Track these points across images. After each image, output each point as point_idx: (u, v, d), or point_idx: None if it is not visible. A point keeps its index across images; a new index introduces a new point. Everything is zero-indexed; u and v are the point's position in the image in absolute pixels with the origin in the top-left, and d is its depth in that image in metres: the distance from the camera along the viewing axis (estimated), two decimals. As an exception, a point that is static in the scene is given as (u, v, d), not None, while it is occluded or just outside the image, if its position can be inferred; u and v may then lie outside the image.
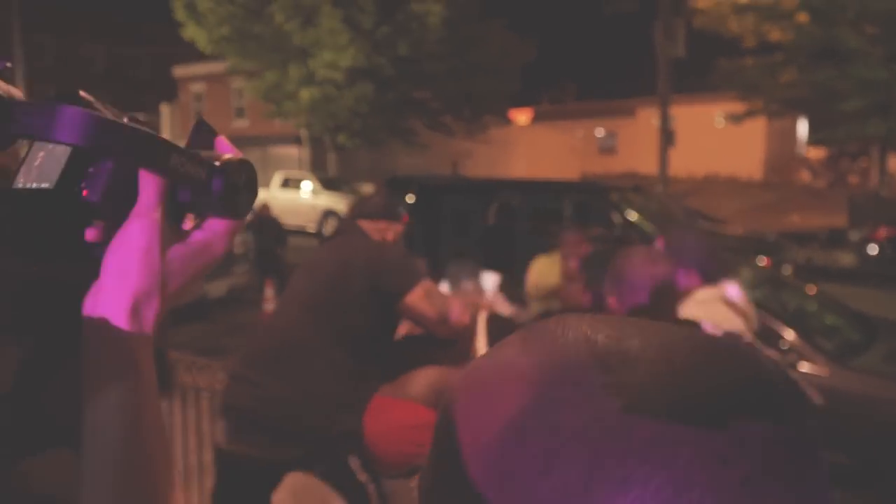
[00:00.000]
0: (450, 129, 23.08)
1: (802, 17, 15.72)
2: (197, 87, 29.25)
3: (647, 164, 29.53)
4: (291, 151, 25.18)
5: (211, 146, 0.60)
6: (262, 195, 19.01)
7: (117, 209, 0.53)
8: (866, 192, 24.09)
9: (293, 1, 18.41)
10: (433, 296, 2.12)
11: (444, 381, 2.03)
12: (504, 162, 33.46)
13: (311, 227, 18.12)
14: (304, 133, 22.87)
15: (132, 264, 0.53)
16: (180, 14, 19.63)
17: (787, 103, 19.52)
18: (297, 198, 18.75)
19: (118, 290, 0.53)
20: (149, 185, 0.54)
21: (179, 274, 0.56)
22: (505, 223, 9.91)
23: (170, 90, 30.32)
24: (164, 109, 30.52)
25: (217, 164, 0.56)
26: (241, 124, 27.59)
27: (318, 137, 21.83)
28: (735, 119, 21.59)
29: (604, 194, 9.58)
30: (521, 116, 38.85)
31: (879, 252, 12.33)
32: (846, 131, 15.67)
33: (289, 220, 16.04)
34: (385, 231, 2.31)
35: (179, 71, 29.07)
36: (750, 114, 20.57)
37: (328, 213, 17.93)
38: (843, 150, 32.91)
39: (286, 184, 19.41)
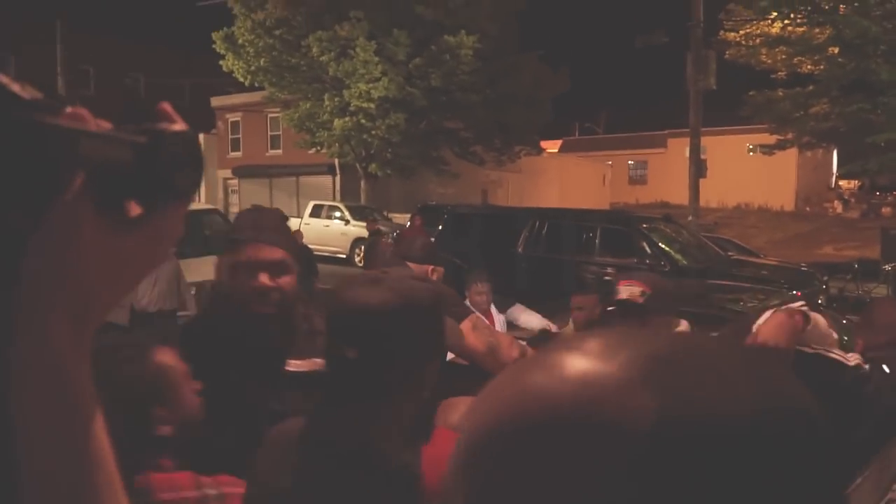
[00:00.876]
0: (480, 158, 23.30)
1: (834, 50, 15.74)
2: (234, 117, 29.97)
3: (678, 194, 29.41)
4: (324, 180, 25.60)
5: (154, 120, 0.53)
6: (294, 223, 19.37)
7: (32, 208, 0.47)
8: (901, 225, 23.72)
9: (329, 34, 18.93)
10: (481, 329, 2.19)
11: None
12: (534, 191, 33.59)
13: (342, 254, 18.39)
14: (336, 162, 23.29)
15: (59, 269, 0.48)
16: (220, 46, 20.29)
17: (819, 135, 19.42)
18: (329, 226, 19.06)
19: (45, 300, 0.48)
20: (64, 178, 0.47)
21: (128, 266, 0.52)
22: (534, 251, 10.00)
23: (207, 120, 31.11)
24: (201, 139, 31.30)
25: (145, 140, 0.49)
26: (276, 153, 28.15)
27: (350, 166, 22.22)
28: (766, 150, 21.51)
29: (634, 224, 9.64)
30: (552, 146, 39.04)
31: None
32: (879, 163, 15.55)
33: (320, 248, 16.32)
34: (431, 274, 2.45)
35: (217, 101, 29.83)
36: (781, 145, 20.49)
37: (358, 241, 18.21)
38: (875, 182, 32.47)
39: (317, 212, 19.76)
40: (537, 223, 10.30)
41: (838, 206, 36.24)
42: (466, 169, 24.17)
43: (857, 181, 36.27)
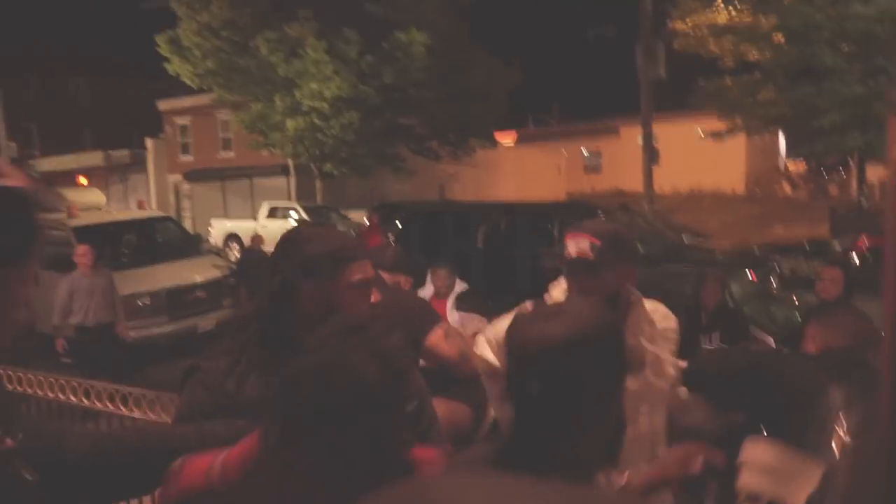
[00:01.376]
0: (436, 153, 23.25)
1: (779, 38, 16.08)
2: (182, 120, 29.35)
3: (632, 181, 29.79)
4: (279, 182, 25.26)
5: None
6: (252, 226, 19.06)
7: None
8: (847, 203, 24.46)
9: (278, 34, 18.63)
10: (452, 336, 2.16)
11: (453, 415, 2.09)
12: (491, 184, 33.67)
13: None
14: (290, 163, 23.00)
15: None
16: (165, 49, 19.80)
17: (767, 120, 19.87)
18: (285, 227, 18.84)
19: None
20: None
21: None
22: (494, 246, 10.00)
23: (155, 124, 30.40)
24: (150, 143, 30.57)
25: None
26: (228, 156, 27.67)
27: (304, 167, 21.95)
28: (717, 136, 21.92)
29: (592, 215, 9.68)
30: (507, 139, 39.18)
31: (861, 261, 12.52)
32: (825, 145, 15.97)
33: (279, 250, 16.11)
34: (402, 283, 2.40)
35: (164, 105, 29.17)
36: (731, 131, 20.90)
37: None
38: (821, 162, 33.42)
39: (273, 213, 19.49)
40: (496, 218, 10.30)
41: (787, 188, 37.24)
42: (423, 165, 24.10)
43: (804, 163, 37.29)
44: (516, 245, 9.72)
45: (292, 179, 24.69)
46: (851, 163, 26.84)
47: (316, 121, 19.19)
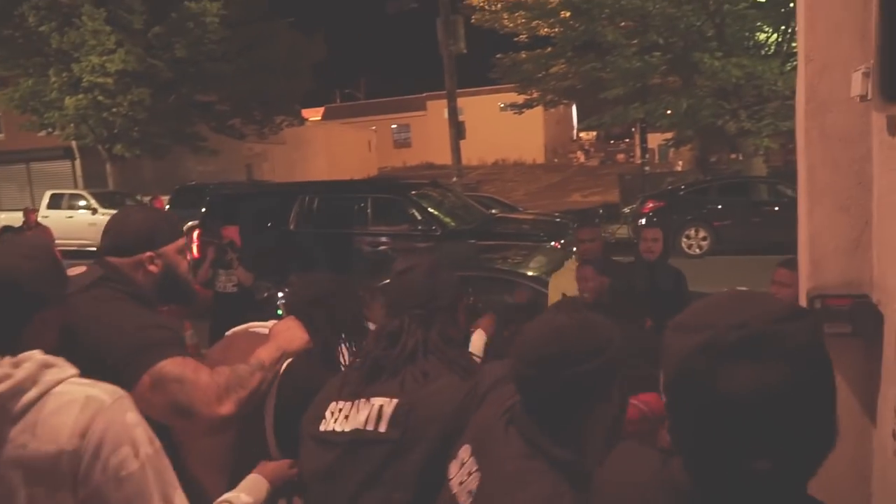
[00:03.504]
0: (240, 132, 22.19)
1: (566, 14, 17.07)
2: (-66, 99, 25.39)
3: (441, 155, 30.51)
4: (61, 166, 22.73)
5: None
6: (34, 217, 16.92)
7: None
8: (632, 169, 26.88)
9: (48, 1, 16.57)
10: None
11: None
12: (301, 161, 32.84)
13: (93, 247, 16.53)
14: (74, 145, 20.74)
15: None
16: None
17: (559, 93, 21.18)
18: (73, 216, 16.97)
19: None
20: None
21: None
22: (306, 227, 9.71)
23: None
24: None
25: None
26: (-4, 138, 24.42)
27: (91, 149, 19.90)
28: (516, 109, 23.01)
29: (404, 191, 9.71)
30: (315, 115, 38.36)
31: (647, 223, 13.80)
32: (611, 116, 17.30)
33: (65, 242, 14.49)
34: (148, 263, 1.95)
35: None
36: (528, 104, 22.03)
37: None
38: (609, 132, 36.42)
39: (57, 202, 17.47)
40: (307, 198, 9.98)
41: (581, 156, 40.25)
42: (226, 144, 22.88)
43: (594, 133, 40.43)
44: (330, 225, 9.49)
45: (77, 163, 22.32)
46: (635, 132, 29.50)
47: (100, 98, 17.41)
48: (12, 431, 1.11)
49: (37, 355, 1.16)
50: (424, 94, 41.43)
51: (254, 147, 27.55)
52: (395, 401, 1.53)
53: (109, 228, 1.76)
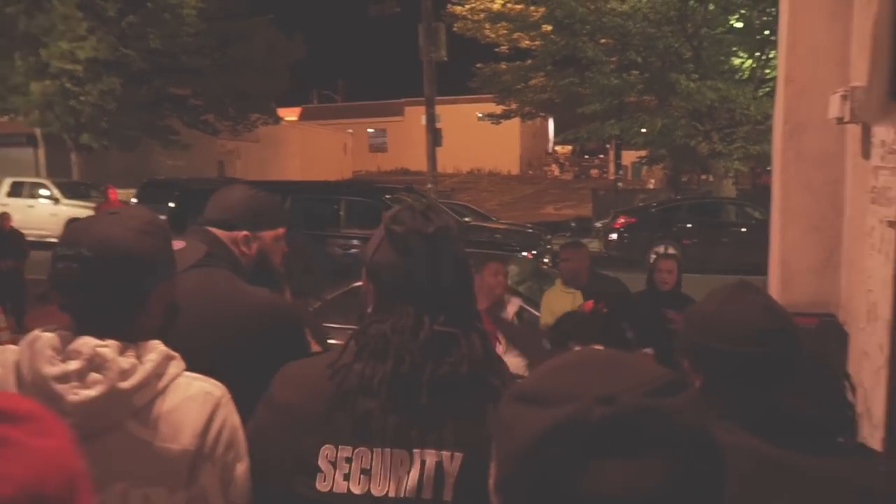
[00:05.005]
0: (214, 127, 21.88)
1: (547, 28, 17.19)
2: None
3: (417, 161, 30.47)
4: (23, 153, 22.12)
5: None
6: (-9, 204, 16.49)
7: None
8: (606, 185, 27.14)
9: (17, -19, 16.21)
10: None
11: None
12: (275, 161, 32.53)
13: (54, 238, 16.11)
14: (38, 132, 20.23)
15: None
16: None
17: (537, 105, 21.31)
18: (34, 206, 16.54)
19: None
20: None
21: None
22: (277, 227, 9.60)
23: None
24: None
25: None
26: (-42, 122, 23.75)
27: (56, 137, 19.43)
28: (493, 119, 23.11)
29: (378, 195, 9.66)
30: (291, 114, 38.08)
31: (618, 238, 13.94)
32: (587, 131, 17.44)
33: (26, 231, 14.11)
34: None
35: None
36: (506, 115, 22.13)
37: (74, 222, 16.04)
38: (584, 147, 36.75)
39: (18, 190, 17.00)
40: (280, 197, 9.87)
41: (556, 170, 40.53)
42: (199, 139, 22.54)
43: (570, 147, 40.75)
44: (302, 226, 9.38)
45: (41, 151, 21.78)
46: (609, 148, 29.77)
47: (68, 85, 17.01)
48: (134, 426, 1.06)
49: (160, 346, 1.12)
50: (403, 100, 41.43)
51: (227, 144, 27.21)
52: (458, 455, 1.05)
53: (216, 200, 1.73)
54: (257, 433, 1.14)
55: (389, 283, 1.13)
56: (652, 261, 4.81)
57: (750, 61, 15.31)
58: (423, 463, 1.04)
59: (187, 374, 1.14)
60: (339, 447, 1.06)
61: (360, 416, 1.06)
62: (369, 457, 1.05)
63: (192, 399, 1.11)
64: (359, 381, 1.07)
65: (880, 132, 1.82)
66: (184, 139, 20.78)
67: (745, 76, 15.41)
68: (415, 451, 1.05)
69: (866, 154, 2.00)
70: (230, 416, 1.14)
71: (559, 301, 4.02)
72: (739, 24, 14.90)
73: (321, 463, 1.06)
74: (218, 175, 25.79)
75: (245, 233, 1.68)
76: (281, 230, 1.78)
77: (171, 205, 10.40)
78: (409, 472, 1.04)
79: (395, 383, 1.05)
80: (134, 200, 15.37)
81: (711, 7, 14.69)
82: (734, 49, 15.21)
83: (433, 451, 1.05)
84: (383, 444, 1.05)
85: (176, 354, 1.14)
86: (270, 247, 1.75)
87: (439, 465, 1.04)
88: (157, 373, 1.09)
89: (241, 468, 1.13)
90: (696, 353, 1.18)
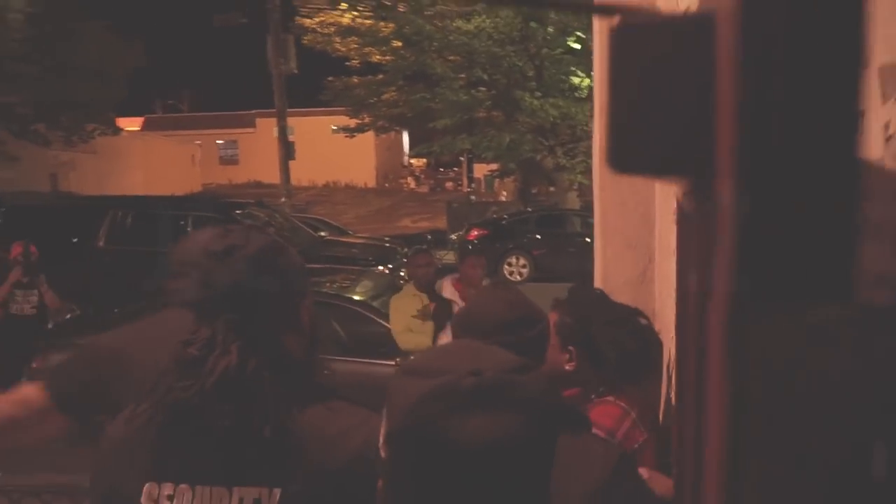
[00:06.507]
0: (45, 138, 20.22)
1: (397, 43, 17.47)
2: None
3: (270, 173, 29.68)
4: None
5: None
6: None
7: None
8: (460, 197, 27.88)
9: None
10: None
11: None
12: (115, 173, 30.46)
13: None
14: None
15: None
16: None
17: (391, 119, 21.56)
18: None
19: None
20: None
21: None
22: (119, 245, 9.06)
23: None
24: None
25: None
26: None
27: None
28: (347, 132, 23.09)
29: (227, 210, 9.38)
30: (133, 125, 35.91)
31: (472, 250, 14.36)
32: (440, 145, 17.88)
33: None
34: None
35: None
36: (360, 129, 22.20)
37: None
38: (438, 161, 37.54)
39: None
40: (120, 213, 9.33)
41: (411, 183, 41.03)
42: (29, 150, 20.73)
43: (425, 160, 41.45)
44: (144, 243, 8.91)
45: None
46: (462, 162, 30.63)
47: None
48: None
49: None
50: (254, 111, 40.30)
51: (60, 155, 25.18)
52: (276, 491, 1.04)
53: None
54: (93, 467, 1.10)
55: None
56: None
57: (588, 80, 16.35)
58: (240, 501, 1.03)
59: None
60: (162, 485, 1.04)
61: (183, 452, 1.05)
62: (190, 495, 1.03)
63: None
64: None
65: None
66: (11, 150, 19.07)
67: (584, 94, 16.45)
68: (234, 488, 1.04)
69: (668, 178, 2.28)
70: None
71: (409, 304, 4.42)
72: (577, 46, 15.87)
73: (144, 501, 1.03)
74: (51, 188, 23.83)
75: None
76: None
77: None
78: None
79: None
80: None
81: (550, 29, 15.56)
82: (573, 69, 16.15)
83: (253, 489, 1.04)
84: (204, 481, 1.04)
85: None
86: None
87: (257, 502, 1.03)
88: None
89: None
90: None
